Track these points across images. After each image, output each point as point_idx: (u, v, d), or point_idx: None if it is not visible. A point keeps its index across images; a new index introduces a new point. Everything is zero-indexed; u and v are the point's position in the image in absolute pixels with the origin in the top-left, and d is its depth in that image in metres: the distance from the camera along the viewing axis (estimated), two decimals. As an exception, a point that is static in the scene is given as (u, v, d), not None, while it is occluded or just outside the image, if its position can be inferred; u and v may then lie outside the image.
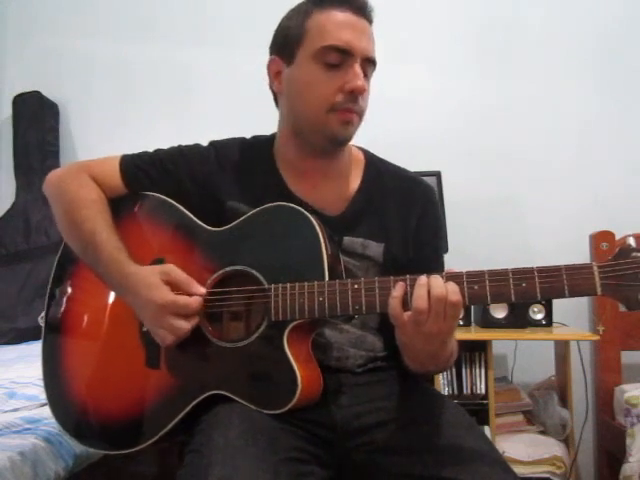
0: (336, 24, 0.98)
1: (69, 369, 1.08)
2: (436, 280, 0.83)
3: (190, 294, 0.95)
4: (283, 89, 1.04)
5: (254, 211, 1.00)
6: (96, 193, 1.07)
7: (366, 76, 1.01)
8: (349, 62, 0.98)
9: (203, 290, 0.96)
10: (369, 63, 1.00)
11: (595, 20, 2.37)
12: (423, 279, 0.84)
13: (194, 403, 0.95)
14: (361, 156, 1.13)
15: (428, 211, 1.10)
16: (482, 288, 0.84)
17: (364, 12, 1.00)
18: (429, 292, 0.83)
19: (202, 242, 1.03)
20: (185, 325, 0.94)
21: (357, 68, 0.98)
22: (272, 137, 1.12)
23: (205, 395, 0.95)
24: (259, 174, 1.08)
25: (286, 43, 1.02)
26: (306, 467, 0.89)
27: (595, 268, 0.80)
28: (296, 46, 1.01)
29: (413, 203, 1.09)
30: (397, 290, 0.85)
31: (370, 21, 1.02)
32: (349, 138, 1.03)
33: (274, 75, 1.05)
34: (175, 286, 0.96)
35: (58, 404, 1.07)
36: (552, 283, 0.81)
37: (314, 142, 1.03)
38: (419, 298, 0.83)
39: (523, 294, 0.83)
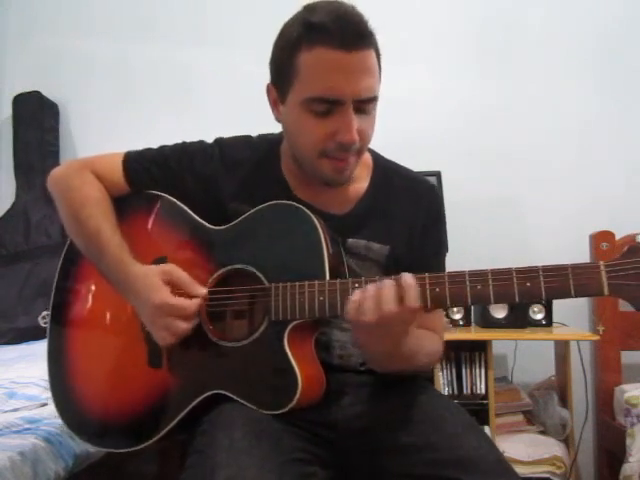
0: (322, 69, 0.90)
1: (74, 367, 1.08)
2: (388, 293, 0.82)
3: (190, 295, 0.95)
4: (281, 121, 1.02)
5: (255, 209, 1.00)
6: (100, 191, 1.07)
7: (365, 113, 0.94)
8: (340, 109, 0.92)
9: (204, 291, 0.96)
10: (368, 101, 0.93)
11: (595, 20, 2.37)
12: (371, 290, 0.83)
13: (195, 402, 0.95)
14: (368, 156, 1.11)
15: (434, 216, 1.10)
16: (485, 288, 0.82)
17: (357, 43, 0.89)
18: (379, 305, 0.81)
19: (204, 241, 1.03)
20: (183, 325, 0.94)
21: (348, 117, 0.91)
22: (279, 138, 1.09)
23: (206, 395, 0.95)
24: (263, 176, 1.07)
25: (279, 77, 0.97)
26: (309, 468, 0.89)
27: (602, 267, 0.78)
28: (287, 86, 0.95)
29: (420, 205, 1.08)
30: (355, 295, 0.84)
31: (369, 46, 0.92)
32: (346, 181, 1.01)
33: (273, 102, 1.02)
34: (176, 286, 0.96)
35: (62, 401, 1.07)
36: (557, 283, 0.79)
37: (312, 178, 1.02)
38: (368, 310, 0.81)
39: (527, 294, 0.81)
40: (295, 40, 0.93)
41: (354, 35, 0.89)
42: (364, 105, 0.94)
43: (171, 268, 0.97)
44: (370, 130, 0.98)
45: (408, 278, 0.83)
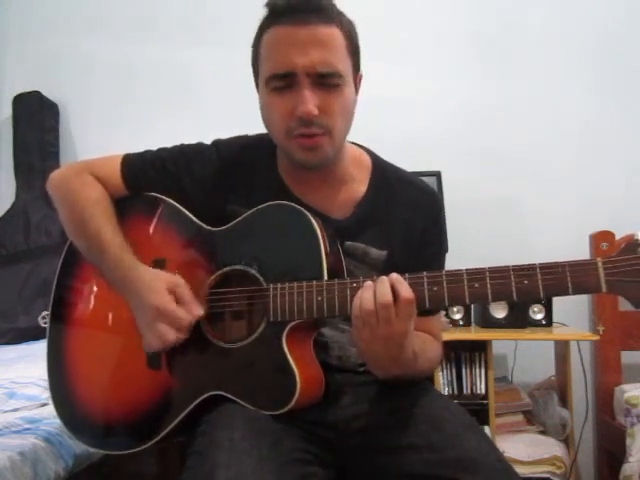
0: (275, 46, 0.94)
1: (73, 369, 1.08)
2: (382, 286, 0.84)
3: (188, 312, 0.95)
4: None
5: (253, 210, 1.00)
6: (100, 192, 1.08)
7: (327, 88, 0.94)
8: (295, 84, 0.93)
9: (201, 312, 0.95)
10: (326, 75, 0.93)
11: (595, 20, 2.37)
12: (369, 284, 0.85)
13: (194, 404, 0.95)
14: (367, 158, 1.10)
15: (433, 222, 1.09)
16: (483, 286, 0.83)
17: (307, 18, 0.91)
18: (375, 297, 0.83)
19: (202, 242, 1.03)
20: (172, 336, 0.93)
21: (302, 89, 0.92)
22: None
23: (205, 396, 0.95)
24: (261, 176, 1.07)
25: (254, 71, 1.03)
26: (309, 468, 0.89)
27: (600, 264, 0.78)
28: (256, 73, 1.01)
29: (419, 213, 1.07)
30: (357, 293, 0.86)
31: (324, 22, 0.92)
32: (322, 162, 0.98)
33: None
34: (177, 299, 0.95)
35: (61, 402, 1.07)
36: (555, 280, 0.79)
37: (299, 167, 1.01)
38: (367, 300, 0.84)
39: (525, 292, 0.81)
40: (259, 29, 0.99)
41: (304, 10, 0.92)
42: (324, 80, 0.93)
43: (179, 281, 0.97)
44: (338, 109, 0.95)
45: (395, 274, 0.85)
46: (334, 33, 0.94)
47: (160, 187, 1.08)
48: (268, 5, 0.96)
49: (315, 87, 0.93)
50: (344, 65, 0.95)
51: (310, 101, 0.92)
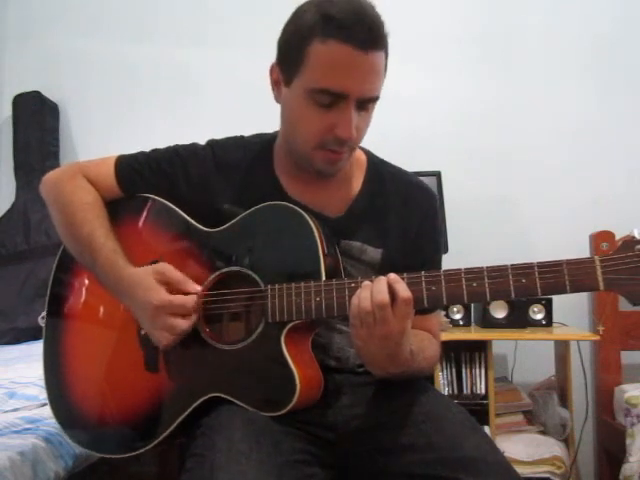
0: (333, 64, 0.90)
1: (69, 372, 1.07)
2: (379, 285, 0.84)
3: (185, 293, 0.95)
4: (280, 103, 1.01)
5: (249, 211, 1.00)
6: (93, 196, 1.07)
7: (364, 110, 0.95)
8: (342, 104, 0.92)
9: (198, 288, 0.96)
10: (370, 100, 0.94)
11: (594, 21, 2.37)
12: (367, 283, 0.86)
13: (193, 406, 0.95)
14: (363, 157, 1.10)
15: (429, 219, 1.09)
16: (481, 285, 0.83)
17: (373, 45, 0.90)
18: (372, 296, 0.84)
19: (199, 243, 1.03)
20: (183, 324, 0.93)
21: (349, 113, 0.91)
22: (273, 137, 1.09)
23: (204, 398, 0.94)
24: (256, 177, 1.07)
25: (286, 60, 0.96)
26: (309, 469, 0.89)
27: (597, 262, 0.78)
28: (294, 71, 0.93)
29: (414, 210, 1.07)
30: (356, 293, 0.86)
31: (380, 48, 0.92)
32: (338, 172, 1.02)
33: (274, 82, 1.01)
34: (170, 285, 0.96)
35: (59, 405, 1.07)
36: (553, 279, 0.80)
37: (303, 167, 1.02)
38: (365, 299, 0.84)
39: (523, 290, 0.81)
40: (309, 27, 0.91)
41: (372, 36, 0.90)
42: (365, 104, 0.95)
43: (164, 267, 0.97)
44: (365, 128, 0.99)
45: (393, 274, 0.86)
46: (382, 59, 0.94)
47: (155, 188, 1.07)
48: (331, 14, 0.89)
49: (356, 109, 0.93)
50: (382, 87, 0.97)
51: (353, 126, 0.93)
